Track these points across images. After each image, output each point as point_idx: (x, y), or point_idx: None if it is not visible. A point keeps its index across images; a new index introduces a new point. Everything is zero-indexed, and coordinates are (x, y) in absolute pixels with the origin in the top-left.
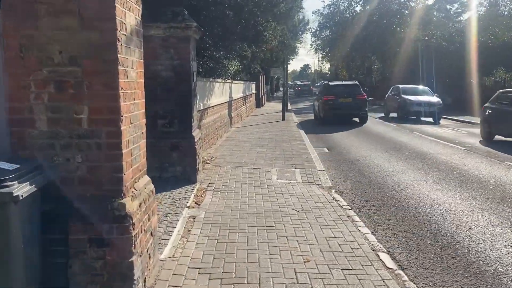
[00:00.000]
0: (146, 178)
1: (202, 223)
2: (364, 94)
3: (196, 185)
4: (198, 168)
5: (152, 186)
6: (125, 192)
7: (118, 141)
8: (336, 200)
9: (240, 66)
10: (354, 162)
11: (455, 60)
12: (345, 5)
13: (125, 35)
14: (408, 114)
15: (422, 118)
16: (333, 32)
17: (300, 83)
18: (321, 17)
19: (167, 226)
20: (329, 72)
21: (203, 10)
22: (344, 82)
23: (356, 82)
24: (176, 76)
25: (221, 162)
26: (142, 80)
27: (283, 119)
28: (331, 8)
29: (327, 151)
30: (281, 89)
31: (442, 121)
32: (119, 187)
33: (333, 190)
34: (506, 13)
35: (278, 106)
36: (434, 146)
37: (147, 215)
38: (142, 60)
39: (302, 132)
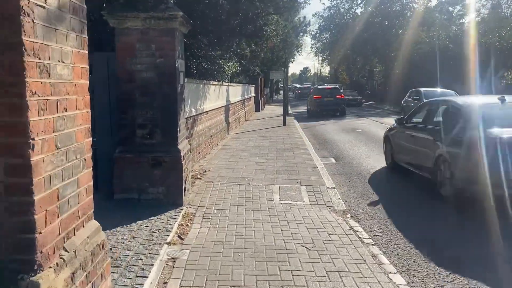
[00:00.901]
0: (92, 226)
1: (184, 269)
2: (342, 94)
3: (182, 209)
4: (185, 188)
5: (101, 237)
6: (42, 261)
7: (26, 181)
8: (354, 231)
9: (239, 68)
10: (367, 177)
11: (463, 62)
12: (346, 8)
13: (42, 7)
14: None
15: None
16: (333, 35)
17: (300, 86)
18: (321, 19)
19: (137, 276)
20: (329, 75)
21: (194, 2)
22: (328, 86)
23: (337, 86)
24: (159, 77)
25: (214, 177)
26: (86, 81)
27: (284, 124)
28: (331, 11)
29: (334, 161)
30: (281, 92)
31: None
32: (28, 256)
33: (349, 215)
34: (509, 15)
35: (278, 109)
36: None
37: (90, 284)
38: (86, 52)
39: (305, 138)
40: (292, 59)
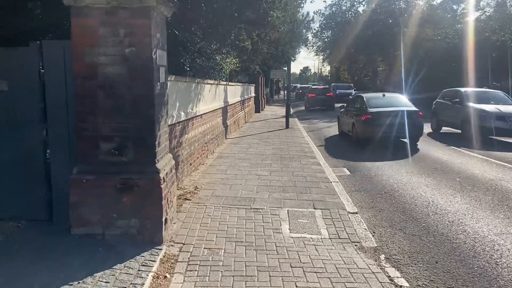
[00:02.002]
0: None
1: None
2: (331, 93)
3: (161, 249)
4: (165, 219)
5: None
6: None
7: None
8: (395, 285)
9: (238, 65)
10: (392, 195)
11: (477, 60)
12: (348, 5)
13: None
14: (483, 132)
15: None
16: (334, 33)
17: (301, 85)
18: (323, 17)
19: None
20: (329, 75)
21: None
22: (321, 86)
23: (327, 86)
24: (130, 72)
25: (207, 196)
26: None
27: (287, 126)
28: (333, 9)
29: (348, 173)
30: (281, 92)
31: None
32: None
33: (383, 256)
34: None
35: (279, 110)
36: None
37: None
38: None
39: (312, 144)
40: (295, 56)
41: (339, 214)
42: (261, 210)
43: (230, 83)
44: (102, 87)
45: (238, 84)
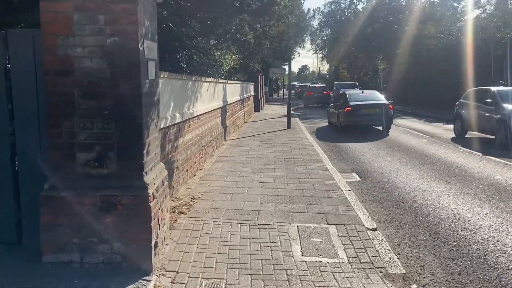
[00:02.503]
0: None
1: None
2: (328, 91)
3: (149, 281)
4: (156, 243)
5: None
6: None
7: None
8: None
9: (238, 62)
10: (411, 206)
11: (481, 58)
12: (347, 3)
13: None
14: None
15: None
16: (333, 31)
17: (301, 84)
18: (322, 15)
19: None
20: (328, 73)
21: None
22: (318, 84)
23: (324, 84)
24: (111, 67)
25: (205, 209)
26: None
27: (288, 127)
28: (332, 6)
29: (359, 179)
30: (280, 90)
31: None
32: None
33: (414, 287)
34: None
35: (279, 109)
36: None
37: None
38: None
39: (316, 146)
40: (301, 50)
41: (357, 231)
42: (267, 226)
43: (229, 81)
44: (78, 85)
45: (238, 82)
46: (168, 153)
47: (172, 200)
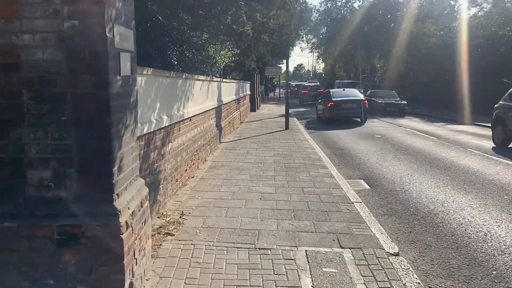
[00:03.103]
0: None
1: None
2: (322, 89)
3: None
4: (130, 284)
5: None
6: None
7: None
8: None
9: (234, 59)
10: (432, 221)
11: (483, 56)
12: (343, 1)
13: None
14: None
15: None
16: (330, 30)
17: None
18: (318, 13)
19: None
20: (323, 72)
21: None
22: (312, 83)
23: (318, 83)
24: (71, 60)
25: (196, 229)
26: None
27: (287, 127)
28: (328, 4)
29: (368, 187)
30: (276, 89)
31: None
32: None
33: None
34: None
35: (275, 108)
36: None
37: None
38: None
39: (317, 149)
40: (302, 44)
41: (377, 257)
42: (269, 252)
43: (224, 80)
44: (27, 83)
45: (233, 81)
46: (153, 162)
47: (158, 217)
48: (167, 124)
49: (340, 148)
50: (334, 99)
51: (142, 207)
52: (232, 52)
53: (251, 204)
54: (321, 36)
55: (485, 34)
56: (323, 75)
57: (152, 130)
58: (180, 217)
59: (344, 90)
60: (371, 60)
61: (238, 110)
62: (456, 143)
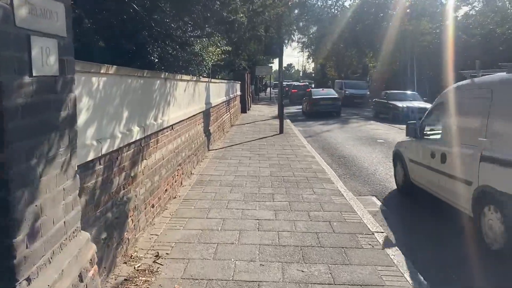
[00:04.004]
0: None
1: None
2: (309, 88)
3: None
4: None
5: None
6: None
7: None
8: None
9: (223, 57)
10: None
11: (480, 54)
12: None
13: None
14: None
15: None
16: (320, 28)
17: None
18: (307, 13)
19: None
20: (313, 72)
21: None
22: (301, 83)
23: (307, 83)
24: None
25: (174, 281)
26: None
27: (281, 131)
28: (319, 3)
29: (384, 207)
30: (268, 89)
31: None
32: None
33: None
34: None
35: (266, 109)
36: None
37: None
38: None
39: (318, 157)
40: (297, 36)
41: None
42: None
43: (213, 80)
44: None
45: (223, 81)
46: (119, 189)
47: (125, 263)
48: (139, 137)
49: (342, 155)
50: (314, 97)
51: (82, 281)
52: (222, 49)
53: (246, 237)
54: (311, 36)
55: (483, 32)
56: (313, 74)
57: (115, 148)
58: (154, 261)
59: (323, 89)
60: (363, 59)
61: (228, 113)
62: None
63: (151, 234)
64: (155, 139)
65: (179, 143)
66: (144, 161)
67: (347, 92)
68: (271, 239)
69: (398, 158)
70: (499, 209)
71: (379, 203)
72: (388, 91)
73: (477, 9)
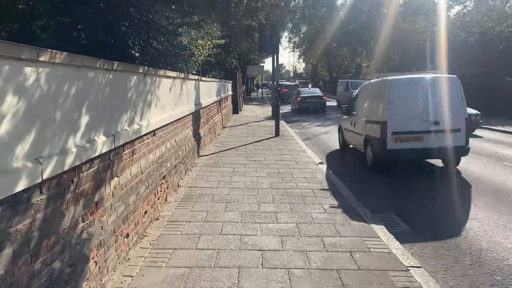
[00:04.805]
0: None
1: None
2: (299, 88)
3: None
4: None
5: None
6: None
7: None
8: None
9: (214, 51)
10: None
11: (479, 53)
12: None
13: None
14: None
15: None
16: (311, 28)
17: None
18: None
19: None
20: (304, 72)
21: None
22: (292, 83)
23: (297, 83)
24: None
25: None
26: None
27: (277, 134)
28: (310, 1)
29: (408, 228)
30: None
31: None
32: None
33: None
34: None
35: (259, 110)
36: None
37: None
38: None
39: (319, 161)
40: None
41: None
42: None
43: (204, 78)
44: None
45: (214, 80)
46: (75, 223)
47: None
48: (107, 149)
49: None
50: (301, 95)
51: None
52: (213, 42)
53: (248, 279)
54: (301, 35)
55: (481, 30)
56: (304, 74)
57: (69, 168)
58: None
59: (309, 89)
60: (356, 59)
61: (220, 114)
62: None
63: (123, 276)
64: (130, 149)
65: (163, 152)
66: (115, 179)
67: (355, 93)
68: (280, 281)
69: (339, 129)
70: (370, 145)
71: (402, 223)
72: None
73: (469, 8)
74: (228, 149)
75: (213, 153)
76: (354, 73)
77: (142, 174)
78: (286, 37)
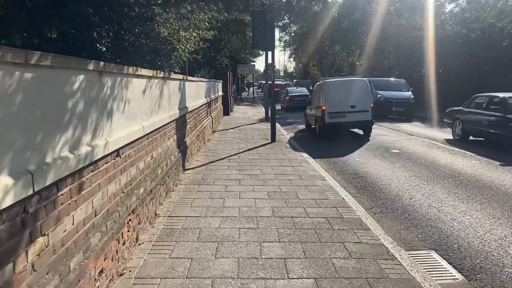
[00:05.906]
0: None
1: None
2: (287, 87)
3: None
4: None
5: None
6: None
7: None
8: None
9: (201, 45)
10: None
11: (482, 49)
12: None
13: None
14: None
15: None
16: (302, 26)
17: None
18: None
19: None
20: (295, 71)
21: None
22: (283, 82)
23: (288, 82)
24: None
25: None
26: None
27: (273, 140)
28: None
29: (461, 277)
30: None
31: None
32: None
33: None
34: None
35: (250, 111)
36: None
37: None
38: None
39: (327, 176)
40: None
41: None
42: None
43: (190, 78)
44: None
45: (203, 79)
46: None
47: None
48: (16, 200)
49: (357, 174)
50: (290, 94)
51: None
52: (200, 34)
53: None
54: (292, 34)
55: (482, 26)
56: (294, 73)
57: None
58: None
59: (297, 88)
60: (349, 57)
61: (209, 117)
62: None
63: None
64: (72, 186)
65: (133, 175)
66: (39, 240)
67: (380, 96)
68: None
69: (304, 115)
70: (316, 121)
71: (447, 265)
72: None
73: (462, 7)
74: (219, 160)
75: (202, 165)
76: (348, 72)
77: (96, 216)
78: (278, 35)
